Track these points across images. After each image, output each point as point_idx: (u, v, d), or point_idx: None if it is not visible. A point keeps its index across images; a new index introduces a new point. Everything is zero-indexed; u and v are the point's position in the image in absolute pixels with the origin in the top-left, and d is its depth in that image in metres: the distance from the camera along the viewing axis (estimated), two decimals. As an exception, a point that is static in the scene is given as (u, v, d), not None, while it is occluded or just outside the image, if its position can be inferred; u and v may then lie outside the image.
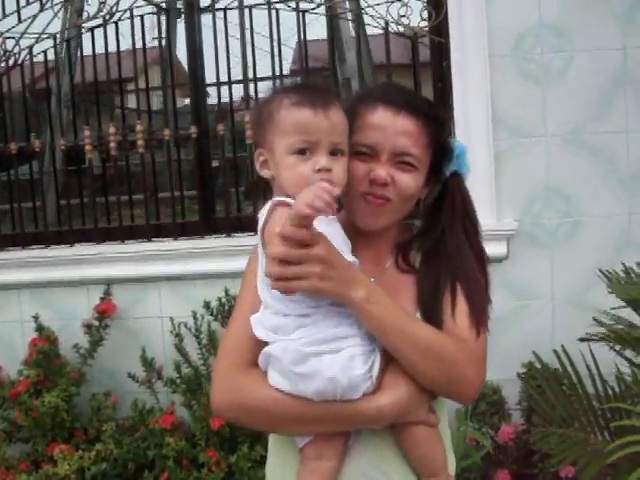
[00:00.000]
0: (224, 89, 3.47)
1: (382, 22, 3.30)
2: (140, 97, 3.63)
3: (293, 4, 3.36)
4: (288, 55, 6.07)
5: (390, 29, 3.34)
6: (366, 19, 3.96)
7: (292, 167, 1.24)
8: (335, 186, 1.24)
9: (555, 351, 2.53)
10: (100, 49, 3.46)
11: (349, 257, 1.26)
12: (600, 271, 2.48)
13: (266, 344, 1.26)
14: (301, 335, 1.21)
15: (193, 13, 3.40)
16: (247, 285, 1.36)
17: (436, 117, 1.40)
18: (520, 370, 3.00)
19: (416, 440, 1.30)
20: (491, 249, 3.22)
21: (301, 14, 3.38)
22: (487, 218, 3.15)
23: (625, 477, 1.48)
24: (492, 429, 2.90)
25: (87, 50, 3.49)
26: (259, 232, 1.25)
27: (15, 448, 3.24)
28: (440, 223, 1.42)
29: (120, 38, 3.42)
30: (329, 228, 1.24)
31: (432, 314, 1.33)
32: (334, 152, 1.26)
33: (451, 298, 1.35)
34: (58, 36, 3.68)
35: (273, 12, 3.39)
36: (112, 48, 3.43)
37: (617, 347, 2.16)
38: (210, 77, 3.53)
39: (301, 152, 1.23)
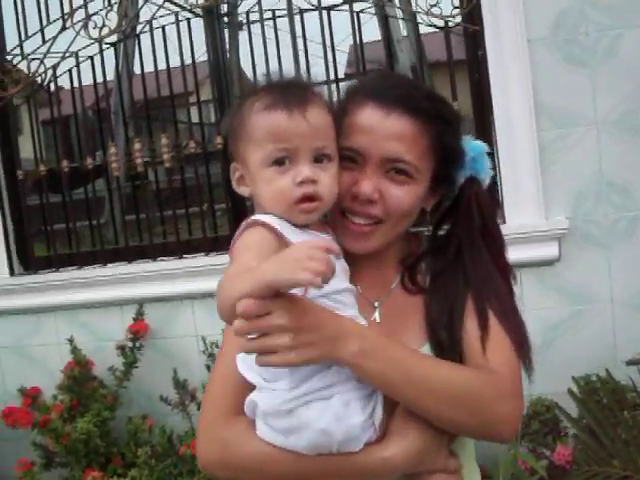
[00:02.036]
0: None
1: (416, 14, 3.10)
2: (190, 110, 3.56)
3: (345, 7, 3.20)
4: (340, 59, 5.98)
5: (420, 20, 3.13)
6: (398, 12, 3.76)
7: (270, 181, 1.07)
8: (322, 202, 1.07)
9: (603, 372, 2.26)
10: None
11: (344, 284, 1.08)
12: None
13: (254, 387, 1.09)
14: (288, 382, 1.02)
15: (213, 21, 3.29)
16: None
17: (439, 114, 1.18)
18: (573, 385, 2.73)
19: None
20: (541, 251, 3.03)
21: (355, 15, 3.21)
22: (534, 217, 2.91)
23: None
24: (547, 449, 2.64)
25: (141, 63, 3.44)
26: (232, 246, 1.08)
27: (55, 473, 3.19)
28: (455, 237, 1.22)
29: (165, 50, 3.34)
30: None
31: (448, 341, 1.14)
32: (319, 158, 1.08)
33: (479, 322, 1.14)
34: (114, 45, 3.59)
35: (324, 15, 3.22)
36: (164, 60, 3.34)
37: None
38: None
39: (279, 163, 1.06)
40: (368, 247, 1.17)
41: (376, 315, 1.21)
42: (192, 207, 3.46)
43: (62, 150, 3.52)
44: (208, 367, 3.04)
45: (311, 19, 3.29)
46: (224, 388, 1.13)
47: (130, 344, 3.22)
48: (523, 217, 2.91)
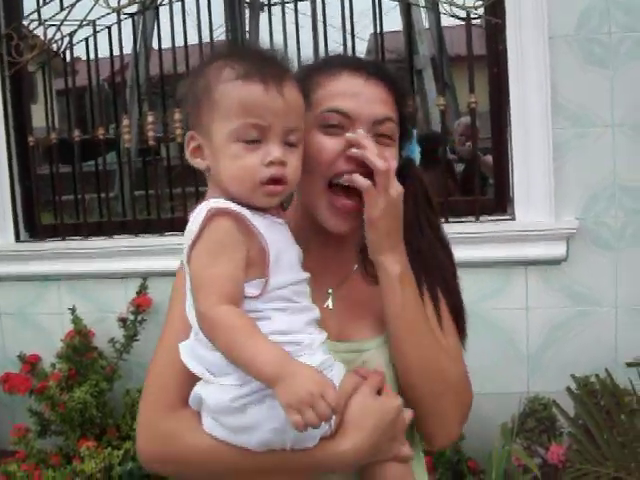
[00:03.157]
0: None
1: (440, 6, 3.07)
2: None
3: None
4: (360, 48, 5.96)
5: (442, 11, 3.10)
6: (420, 1, 3.72)
7: (235, 158, 0.98)
8: (288, 186, 1.01)
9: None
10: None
11: (302, 274, 1.04)
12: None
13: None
14: (237, 378, 0.97)
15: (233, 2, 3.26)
16: (175, 307, 1.12)
17: (401, 86, 1.18)
18: (573, 384, 2.73)
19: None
20: (549, 250, 3.02)
21: (377, 3, 3.18)
22: (544, 216, 2.89)
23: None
24: (542, 448, 2.64)
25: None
26: (187, 247, 0.98)
27: (49, 441, 3.21)
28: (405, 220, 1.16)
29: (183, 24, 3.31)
30: (272, 234, 1.00)
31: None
32: (288, 141, 1.01)
33: (433, 307, 1.14)
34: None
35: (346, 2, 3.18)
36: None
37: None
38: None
39: (248, 139, 0.99)
40: (347, 227, 1.12)
41: (329, 302, 1.16)
42: (201, 185, 3.44)
43: (75, 120, 3.51)
44: (208, 345, 3.04)
45: (333, 4, 3.26)
46: (165, 378, 1.07)
47: (132, 317, 3.22)
48: (533, 215, 2.89)
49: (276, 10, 3.30)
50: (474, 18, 3.06)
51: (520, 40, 2.87)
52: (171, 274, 3.45)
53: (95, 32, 3.33)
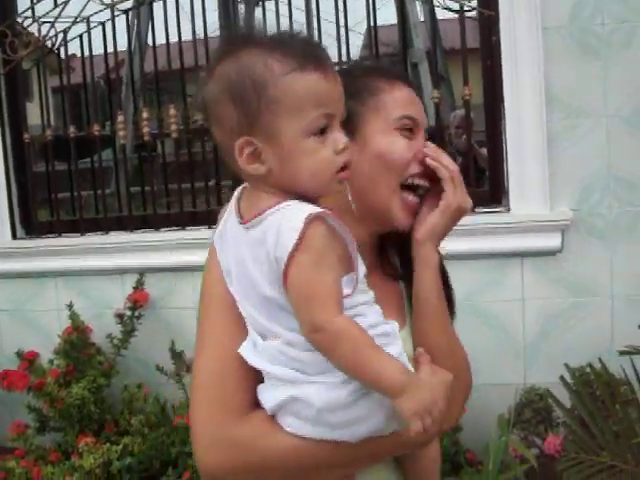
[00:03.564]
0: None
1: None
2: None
3: None
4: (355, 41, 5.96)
5: (436, 3, 3.11)
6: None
7: (312, 152, 0.94)
8: (348, 173, 0.99)
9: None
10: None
11: (362, 269, 1.02)
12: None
13: (258, 375, 1.00)
14: (342, 374, 0.95)
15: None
16: (213, 305, 1.08)
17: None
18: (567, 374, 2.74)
19: (422, 459, 1.14)
20: (544, 241, 3.03)
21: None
22: (539, 207, 2.90)
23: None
24: (539, 438, 2.65)
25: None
26: (285, 256, 0.91)
27: (48, 437, 3.22)
28: None
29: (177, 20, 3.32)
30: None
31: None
32: (340, 124, 0.98)
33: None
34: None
35: None
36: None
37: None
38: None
39: (320, 131, 0.94)
40: (411, 223, 1.16)
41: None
42: (198, 181, 3.45)
43: (70, 117, 3.51)
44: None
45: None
46: (221, 384, 1.02)
47: (129, 313, 3.22)
48: (528, 206, 2.90)
49: (270, 5, 3.30)
50: (467, 10, 3.07)
51: (513, 32, 2.87)
52: (167, 269, 3.47)
53: (89, 29, 3.33)
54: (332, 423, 0.96)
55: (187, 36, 3.36)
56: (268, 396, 0.99)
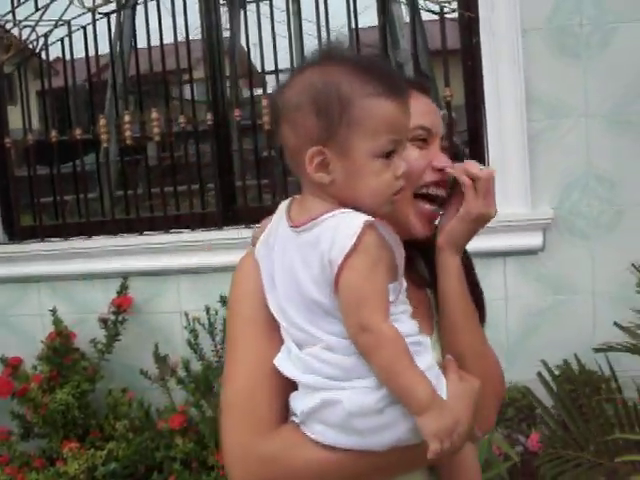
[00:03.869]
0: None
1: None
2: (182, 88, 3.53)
3: None
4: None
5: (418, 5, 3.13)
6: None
7: (378, 174, 0.99)
8: (400, 197, 1.06)
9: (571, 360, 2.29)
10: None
11: (403, 279, 1.05)
12: (634, 266, 2.22)
13: (289, 390, 1.02)
14: (374, 380, 0.97)
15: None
16: (242, 321, 1.07)
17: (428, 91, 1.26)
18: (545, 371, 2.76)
19: (464, 464, 1.12)
20: (525, 240, 3.06)
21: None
22: (521, 206, 2.92)
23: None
24: (522, 436, 2.67)
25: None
26: (336, 261, 0.95)
27: (33, 444, 3.20)
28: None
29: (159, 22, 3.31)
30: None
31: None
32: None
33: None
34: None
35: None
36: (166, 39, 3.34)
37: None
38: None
39: (387, 155, 1.00)
40: (430, 232, 1.17)
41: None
42: (181, 185, 3.45)
43: (52, 121, 3.50)
44: (189, 342, 3.05)
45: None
46: (253, 399, 1.03)
47: (113, 317, 3.21)
48: (509, 206, 2.91)
49: (252, 7, 3.31)
50: (448, 13, 3.09)
51: (494, 33, 2.90)
52: (151, 273, 3.46)
53: (70, 32, 3.32)
54: (360, 429, 0.97)
55: (169, 39, 3.37)
56: (299, 403, 1.01)
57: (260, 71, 3.56)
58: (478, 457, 1.15)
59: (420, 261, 1.24)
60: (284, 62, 3.31)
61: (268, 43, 3.30)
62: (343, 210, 0.99)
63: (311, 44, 3.34)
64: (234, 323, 1.09)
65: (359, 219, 0.96)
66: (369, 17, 3.54)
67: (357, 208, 1.00)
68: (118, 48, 3.81)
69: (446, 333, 1.16)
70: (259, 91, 3.62)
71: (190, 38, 3.34)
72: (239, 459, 1.01)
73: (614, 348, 1.76)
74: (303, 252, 0.99)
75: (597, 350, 1.97)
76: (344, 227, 0.95)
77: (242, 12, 3.44)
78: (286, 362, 1.01)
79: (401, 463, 1.03)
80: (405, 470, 1.06)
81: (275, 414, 1.02)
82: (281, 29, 3.29)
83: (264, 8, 3.29)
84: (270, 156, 3.33)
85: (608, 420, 1.55)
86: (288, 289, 1.01)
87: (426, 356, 1.01)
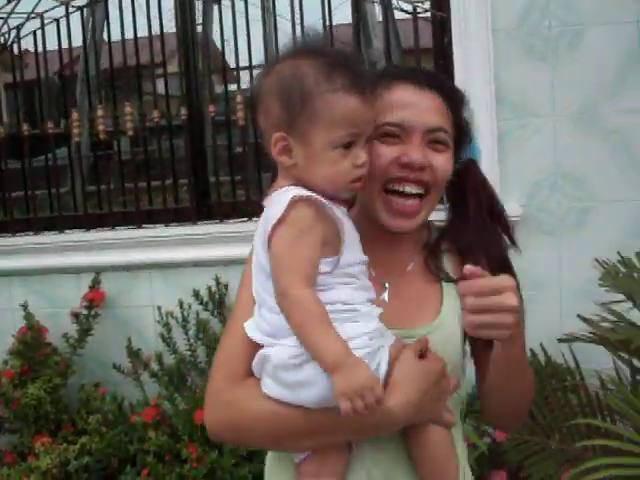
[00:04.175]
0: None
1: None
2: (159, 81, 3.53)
3: None
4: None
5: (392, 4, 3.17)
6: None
7: (334, 163, 1.08)
8: (360, 185, 1.13)
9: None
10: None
11: (362, 255, 1.13)
12: (597, 261, 2.29)
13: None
14: (296, 339, 1.06)
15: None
16: (245, 287, 1.20)
17: (455, 91, 1.28)
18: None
19: (428, 444, 1.15)
20: (495, 236, 3.08)
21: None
22: (490, 204, 2.97)
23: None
24: (491, 427, 2.73)
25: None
26: (269, 227, 1.06)
27: (3, 439, 3.18)
28: (468, 218, 1.28)
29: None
30: (343, 218, 1.10)
31: None
32: (365, 140, 1.12)
33: None
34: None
35: None
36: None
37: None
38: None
39: (345, 146, 1.08)
40: (410, 226, 1.20)
41: (385, 296, 1.23)
42: (154, 180, 3.44)
43: (24, 115, 3.48)
44: (162, 336, 3.06)
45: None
46: (232, 352, 1.16)
47: (85, 312, 3.21)
48: (479, 203, 2.98)
49: (227, 3, 3.32)
50: (420, 12, 3.14)
51: (465, 33, 2.95)
52: (123, 268, 3.46)
53: (43, 25, 3.30)
54: (287, 382, 1.06)
55: (143, 33, 3.37)
56: (254, 359, 1.12)
57: (234, 67, 3.57)
58: (452, 442, 1.17)
59: (442, 257, 1.28)
60: (258, 58, 3.34)
61: (242, 39, 3.32)
62: (289, 187, 1.08)
63: (285, 40, 3.34)
64: (241, 286, 1.22)
65: (291, 194, 1.05)
66: (343, 14, 3.57)
67: (316, 189, 1.09)
68: (89, 41, 3.77)
69: (496, 385, 1.23)
70: (233, 87, 3.62)
71: (165, 32, 3.34)
72: (211, 404, 1.15)
73: (578, 339, 1.83)
74: (262, 224, 1.11)
75: (561, 340, 2.03)
76: (279, 201, 1.06)
77: (217, 7, 3.44)
78: (252, 323, 1.13)
79: (339, 427, 1.09)
80: (356, 434, 1.12)
81: (246, 367, 1.13)
82: (256, 26, 3.31)
83: (239, 4, 3.30)
84: (244, 152, 3.34)
85: (572, 409, 1.61)
86: (256, 256, 1.13)
87: (360, 324, 1.08)
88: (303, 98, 1.06)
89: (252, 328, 1.13)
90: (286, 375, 1.06)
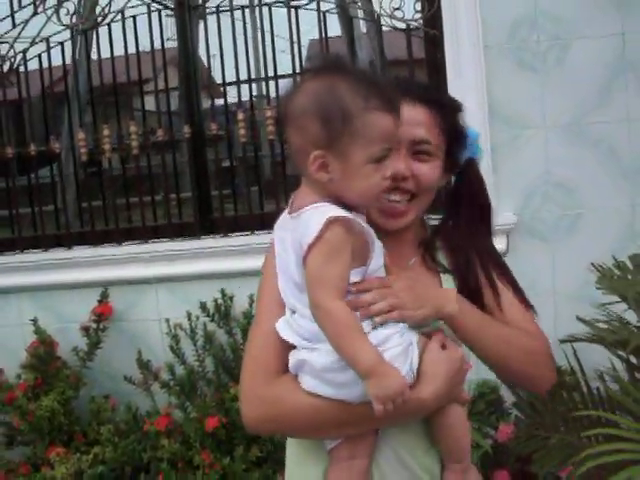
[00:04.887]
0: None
1: (376, 16, 3.27)
2: (156, 98, 3.63)
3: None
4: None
5: (383, 22, 3.29)
6: (359, 13, 3.91)
7: (369, 177, 1.17)
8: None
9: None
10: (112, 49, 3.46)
11: (382, 260, 1.25)
12: (592, 265, 2.40)
13: (293, 347, 1.23)
14: None
15: (184, 12, 3.38)
16: (266, 288, 1.30)
17: (446, 102, 1.40)
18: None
19: (449, 422, 1.27)
20: (491, 244, 3.18)
21: (322, 15, 3.34)
22: (485, 212, 3.09)
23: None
24: (491, 428, 2.84)
25: (101, 51, 3.47)
26: (305, 246, 1.14)
27: (17, 451, 3.25)
28: (461, 215, 1.42)
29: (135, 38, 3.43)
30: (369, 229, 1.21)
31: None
32: None
33: (492, 291, 1.38)
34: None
35: (292, 12, 3.33)
36: (129, 49, 3.46)
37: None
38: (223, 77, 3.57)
39: (379, 160, 1.18)
40: (401, 224, 1.34)
41: None
42: (158, 195, 3.54)
43: (30, 134, 3.57)
44: (172, 348, 3.14)
45: (274, 12, 3.41)
46: (263, 352, 1.25)
47: (94, 325, 3.29)
48: (475, 212, 3.09)
49: (212, 17, 3.42)
50: (413, 29, 3.26)
51: (457, 49, 3.07)
52: (131, 282, 3.54)
53: (49, 48, 3.40)
54: (334, 383, 1.17)
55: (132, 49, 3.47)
56: (291, 358, 1.22)
57: (220, 82, 3.68)
58: (466, 417, 1.33)
59: (440, 251, 1.41)
60: (243, 73, 3.43)
61: (228, 54, 3.41)
62: (323, 204, 1.17)
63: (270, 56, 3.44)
64: (260, 292, 1.32)
65: (327, 214, 1.13)
66: (330, 27, 3.64)
67: (348, 202, 1.19)
68: (79, 62, 3.85)
69: (482, 359, 1.33)
70: (221, 102, 3.73)
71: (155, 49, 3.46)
72: (248, 399, 1.25)
73: (578, 339, 1.93)
74: (292, 235, 1.19)
75: (562, 341, 2.13)
76: (315, 219, 1.14)
77: (202, 23, 3.55)
78: (284, 324, 1.23)
79: (378, 417, 1.18)
80: (391, 422, 1.23)
81: (279, 366, 1.23)
82: (240, 40, 3.39)
83: (224, 19, 3.39)
84: (245, 167, 3.45)
85: (575, 405, 1.72)
86: (282, 263, 1.23)
87: (390, 325, 1.19)
88: (345, 117, 1.13)
89: (284, 329, 1.22)
90: (333, 376, 1.16)
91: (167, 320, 3.22)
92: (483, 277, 1.38)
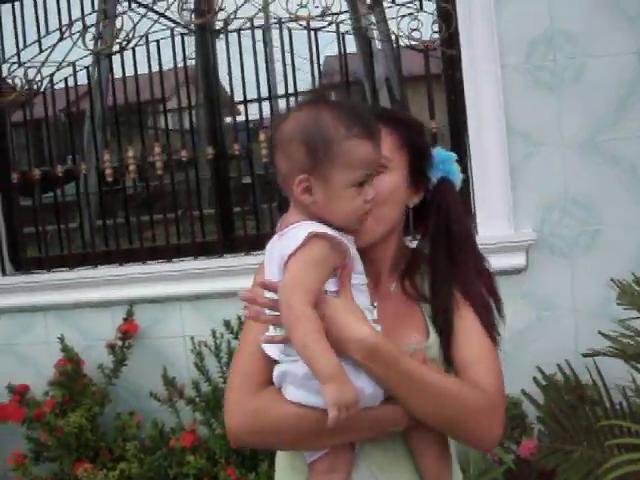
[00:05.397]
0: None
1: (393, 36, 3.33)
2: (175, 117, 3.71)
3: (304, 22, 3.38)
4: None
5: (401, 43, 3.35)
6: (377, 34, 3.97)
7: (350, 200, 1.24)
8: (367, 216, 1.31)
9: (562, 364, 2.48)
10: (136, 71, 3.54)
11: (364, 277, 1.30)
12: (612, 280, 2.43)
13: (277, 362, 1.27)
14: None
15: (205, 35, 3.47)
16: (252, 305, 1.33)
17: (401, 118, 1.43)
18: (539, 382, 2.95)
19: (428, 441, 1.29)
20: (510, 260, 3.26)
21: (341, 37, 3.40)
22: (505, 229, 3.13)
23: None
24: (514, 444, 2.85)
25: (119, 72, 3.56)
26: (286, 257, 1.19)
27: (43, 467, 3.30)
28: (436, 238, 1.40)
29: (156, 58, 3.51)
30: (351, 247, 1.26)
31: (446, 344, 1.33)
32: None
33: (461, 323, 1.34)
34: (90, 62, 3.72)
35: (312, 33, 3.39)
36: (144, 69, 3.52)
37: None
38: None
39: (359, 185, 1.24)
40: (360, 243, 1.32)
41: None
42: (168, 212, 3.60)
43: (56, 155, 3.67)
44: (197, 365, 3.19)
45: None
46: (248, 367, 1.30)
47: (120, 343, 3.35)
48: (494, 229, 3.13)
49: (232, 37, 3.50)
50: (431, 50, 3.32)
51: (475, 69, 3.13)
52: (155, 300, 3.60)
53: (75, 72, 3.50)
54: (317, 390, 1.19)
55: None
56: (275, 372, 1.27)
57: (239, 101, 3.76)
58: (450, 452, 1.34)
59: (419, 278, 1.40)
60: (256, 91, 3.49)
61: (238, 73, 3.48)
62: (305, 222, 1.23)
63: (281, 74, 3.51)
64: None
65: (309, 229, 1.20)
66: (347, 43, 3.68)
67: (331, 223, 1.24)
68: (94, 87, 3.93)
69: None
70: (241, 118, 3.81)
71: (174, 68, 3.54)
72: (233, 412, 1.29)
73: (600, 353, 1.97)
74: (280, 252, 1.23)
75: (585, 355, 2.17)
76: (295, 236, 1.20)
77: (212, 44, 3.63)
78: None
79: (359, 424, 1.22)
80: (370, 431, 1.26)
81: (263, 380, 1.28)
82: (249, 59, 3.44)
83: (232, 37, 3.46)
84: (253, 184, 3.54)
85: (598, 419, 1.74)
86: (271, 279, 1.26)
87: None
88: (325, 144, 1.21)
89: (267, 345, 1.27)
90: (315, 383, 1.18)
91: (192, 337, 3.28)
92: (456, 308, 1.34)
